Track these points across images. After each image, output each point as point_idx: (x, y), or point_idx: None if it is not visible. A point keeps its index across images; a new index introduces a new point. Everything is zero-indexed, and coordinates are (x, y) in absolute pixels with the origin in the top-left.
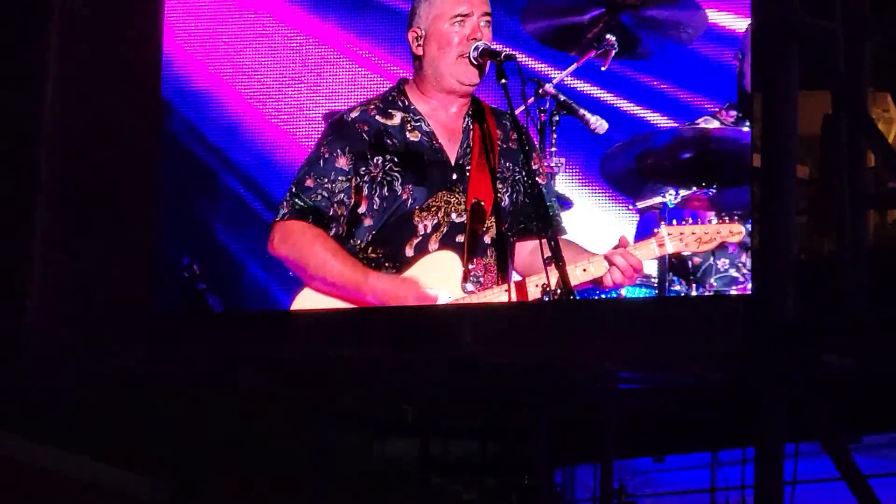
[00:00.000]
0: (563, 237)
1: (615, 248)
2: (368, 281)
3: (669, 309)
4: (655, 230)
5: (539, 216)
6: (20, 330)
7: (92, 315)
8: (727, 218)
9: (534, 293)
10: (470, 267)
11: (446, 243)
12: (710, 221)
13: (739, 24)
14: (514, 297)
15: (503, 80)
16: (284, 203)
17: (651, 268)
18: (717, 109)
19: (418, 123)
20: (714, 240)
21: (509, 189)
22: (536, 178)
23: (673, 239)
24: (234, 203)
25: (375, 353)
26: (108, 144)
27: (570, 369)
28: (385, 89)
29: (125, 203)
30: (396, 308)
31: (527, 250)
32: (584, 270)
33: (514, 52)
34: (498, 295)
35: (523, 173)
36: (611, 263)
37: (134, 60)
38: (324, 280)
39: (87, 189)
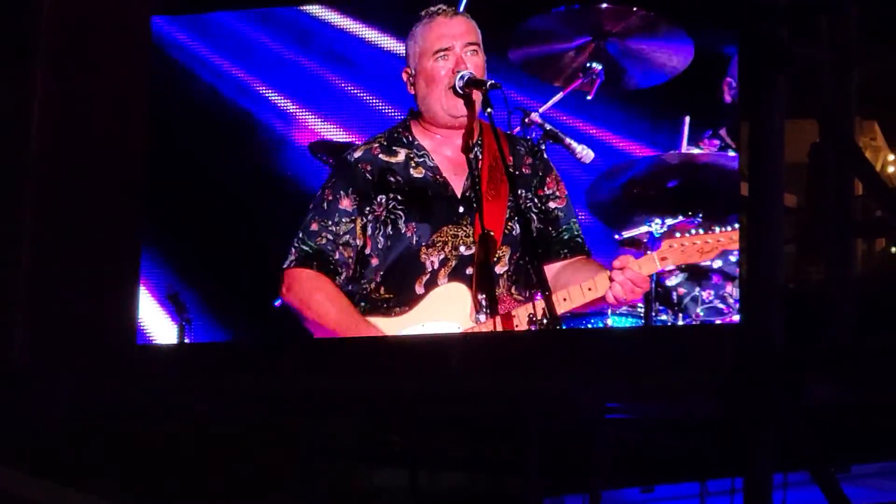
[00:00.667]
0: (584, 258)
1: (615, 263)
2: (358, 330)
3: (657, 338)
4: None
5: (525, 244)
6: (8, 362)
7: (80, 347)
8: (727, 227)
9: (519, 324)
10: (480, 297)
11: (456, 276)
12: (714, 230)
13: (726, 54)
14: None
15: (489, 110)
16: (292, 249)
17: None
18: (701, 138)
19: (422, 159)
20: (715, 248)
21: (521, 217)
22: (549, 203)
23: (674, 251)
24: (223, 229)
25: (364, 382)
26: (96, 174)
27: (558, 399)
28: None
29: (112, 234)
30: (385, 338)
31: (552, 273)
32: (589, 289)
33: (499, 82)
34: (486, 327)
35: (536, 199)
36: (611, 280)
37: (122, 86)
38: (323, 330)
39: (74, 220)
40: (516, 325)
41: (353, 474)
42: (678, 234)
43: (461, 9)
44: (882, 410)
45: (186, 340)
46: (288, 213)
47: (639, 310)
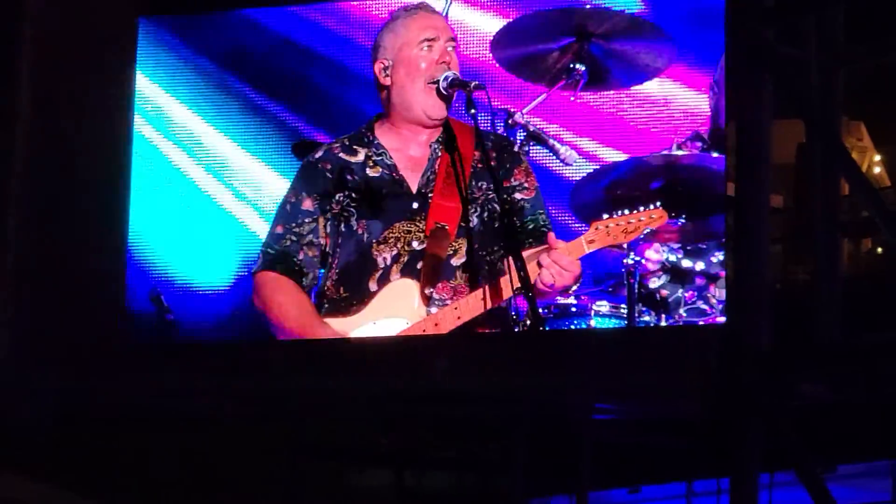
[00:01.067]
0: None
1: (544, 249)
2: (316, 333)
3: (643, 339)
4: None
5: (506, 235)
6: None
7: (66, 348)
8: (651, 206)
9: (507, 291)
10: (429, 290)
11: (407, 272)
12: (638, 209)
13: (710, 56)
14: (489, 301)
15: (473, 111)
16: (260, 254)
17: (620, 300)
18: (682, 140)
19: (380, 158)
20: (639, 228)
21: (479, 209)
22: (515, 195)
23: (600, 233)
24: (206, 229)
25: (350, 382)
26: (79, 176)
27: (544, 400)
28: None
29: (96, 235)
30: (371, 338)
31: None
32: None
33: (482, 83)
34: (472, 301)
35: (490, 193)
36: (539, 265)
37: (106, 98)
38: (283, 332)
39: (59, 219)
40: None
41: (338, 475)
42: (604, 216)
43: (444, 12)
44: (868, 410)
45: (171, 339)
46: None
47: (622, 311)
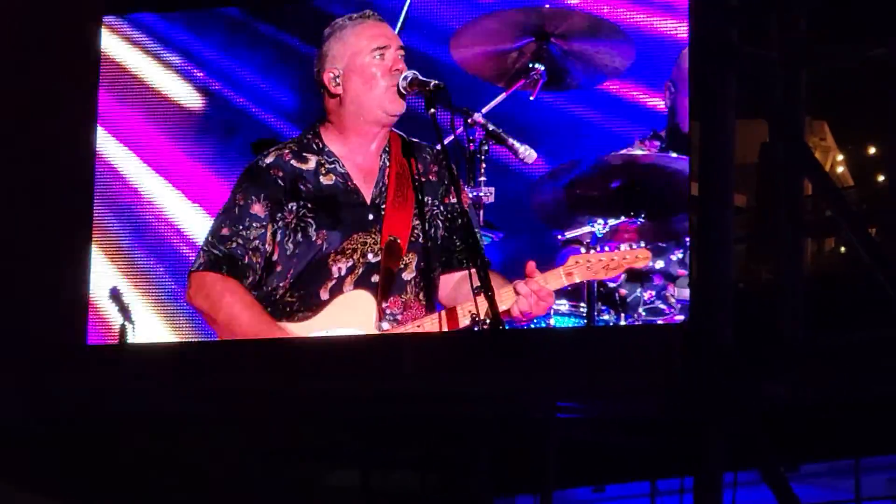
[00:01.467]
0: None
1: (524, 278)
2: (276, 336)
3: (607, 338)
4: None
5: (468, 246)
6: None
7: (28, 351)
8: (635, 245)
9: (464, 320)
10: (384, 305)
11: (361, 284)
12: (619, 248)
13: (669, 53)
14: (444, 327)
15: (432, 110)
16: (201, 253)
17: (580, 297)
18: (641, 138)
19: (332, 166)
20: (621, 266)
21: (428, 224)
22: (459, 210)
23: (580, 267)
24: (164, 237)
25: (312, 383)
26: (41, 176)
27: (508, 399)
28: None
29: (59, 238)
30: (334, 338)
31: (451, 283)
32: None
33: (442, 83)
34: (427, 325)
35: (442, 207)
36: (517, 293)
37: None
38: (233, 333)
39: (20, 220)
40: (464, 324)
41: (305, 476)
42: (582, 250)
43: (398, 24)
44: (831, 409)
45: (129, 340)
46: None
47: (581, 309)
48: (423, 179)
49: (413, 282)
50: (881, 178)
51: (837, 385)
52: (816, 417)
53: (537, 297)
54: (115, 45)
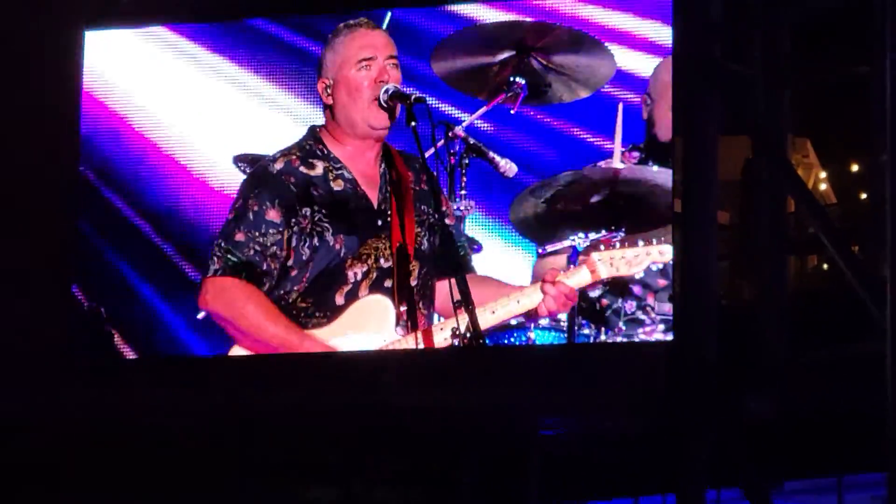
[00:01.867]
0: (480, 275)
1: (546, 277)
2: (304, 345)
3: (591, 354)
4: (582, 258)
5: (447, 257)
6: None
7: (10, 363)
8: (654, 240)
9: (440, 340)
10: (403, 309)
11: (375, 289)
12: (638, 244)
13: (649, 67)
14: (420, 344)
15: (413, 123)
16: (216, 258)
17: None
18: (621, 150)
19: (340, 171)
20: (643, 261)
21: (426, 232)
22: (446, 220)
23: (604, 264)
24: (146, 248)
25: (295, 397)
26: (24, 187)
27: (492, 415)
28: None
29: (41, 248)
30: (318, 353)
31: (444, 292)
32: (518, 302)
33: (423, 95)
34: (408, 342)
35: (437, 215)
36: (544, 293)
37: (52, 105)
38: (257, 341)
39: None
40: (444, 340)
41: (286, 489)
42: (602, 248)
43: (384, 25)
44: (814, 426)
45: (113, 352)
46: (213, 226)
47: (561, 323)
48: (416, 188)
49: (416, 289)
50: (864, 195)
51: (821, 401)
52: (800, 434)
53: (566, 297)
54: (98, 57)
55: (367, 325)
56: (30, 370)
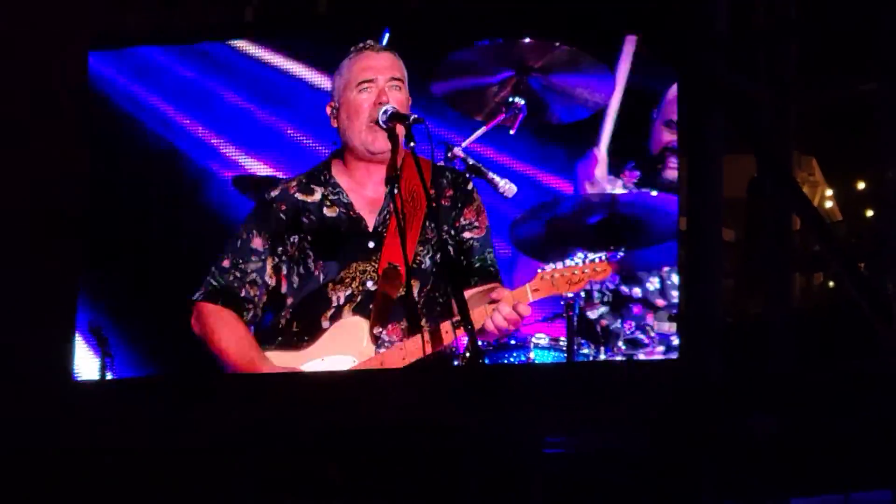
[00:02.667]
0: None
1: (493, 295)
2: (259, 370)
3: (594, 372)
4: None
5: (450, 274)
6: None
7: (13, 385)
8: (596, 258)
9: (448, 337)
10: (378, 330)
11: (359, 311)
12: (577, 264)
13: (652, 86)
14: (427, 346)
15: (412, 144)
16: (203, 282)
17: (560, 332)
18: (622, 170)
19: (336, 197)
20: (583, 280)
21: (431, 250)
22: (464, 234)
23: (545, 283)
24: (145, 262)
25: (297, 415)
26: (31, 205)
27: (495, 433)
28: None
29: (49, 268)
30: (318, 372)
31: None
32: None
33: (422, 116)
34: (410, 346)
35: (453, 231)
36: (492, 311)
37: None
38: (225, 364)
39: (7, 254)
40: (450, 346)
41: None
42: (546, 268)
43: (383, 42)
44: (821, 443)
45: (108, 376)
46: (213, 246)
47: (561, 343)
48: (434, 204)
49: (417, 308)
50: (870, 213)
51: (827, 419)
52: (806, 451)
53: (516, 314)
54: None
55: (341, 347)
56: (41, 394)
